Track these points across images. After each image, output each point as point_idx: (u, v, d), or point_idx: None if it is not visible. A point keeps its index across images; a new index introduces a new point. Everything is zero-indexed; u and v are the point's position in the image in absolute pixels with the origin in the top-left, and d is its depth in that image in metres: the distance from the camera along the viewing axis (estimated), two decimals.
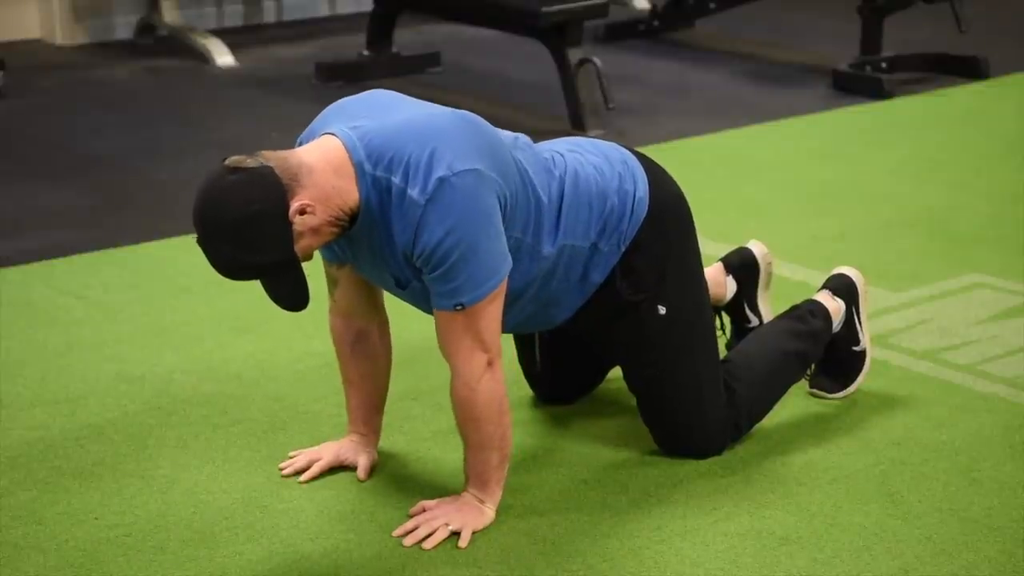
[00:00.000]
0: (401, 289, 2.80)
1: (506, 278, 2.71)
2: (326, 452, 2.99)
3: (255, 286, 3.94)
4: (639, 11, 7.55)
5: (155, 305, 3.84)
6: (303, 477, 2.95)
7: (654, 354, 2.98)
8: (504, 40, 6.32)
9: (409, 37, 6.69)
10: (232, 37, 6.78)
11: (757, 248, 3.44)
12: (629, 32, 7.12)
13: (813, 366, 3.29)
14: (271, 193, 2.56)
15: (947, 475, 2.99)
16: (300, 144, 2.74)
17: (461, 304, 2.67)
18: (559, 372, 3.23)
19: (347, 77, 6.22)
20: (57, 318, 3.75)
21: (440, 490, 2.90)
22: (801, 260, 4.13)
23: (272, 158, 2.59)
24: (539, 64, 5.88)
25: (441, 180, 2.60)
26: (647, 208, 2.92)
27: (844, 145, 5.44)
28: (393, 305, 3.84)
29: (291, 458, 3.01)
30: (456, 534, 2.74)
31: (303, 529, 2.78)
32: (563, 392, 3.26)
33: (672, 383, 2.99)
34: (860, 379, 3.30)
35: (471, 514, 2.78)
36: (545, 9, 5.51)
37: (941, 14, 6.29)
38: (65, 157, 5.18)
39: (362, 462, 2.97)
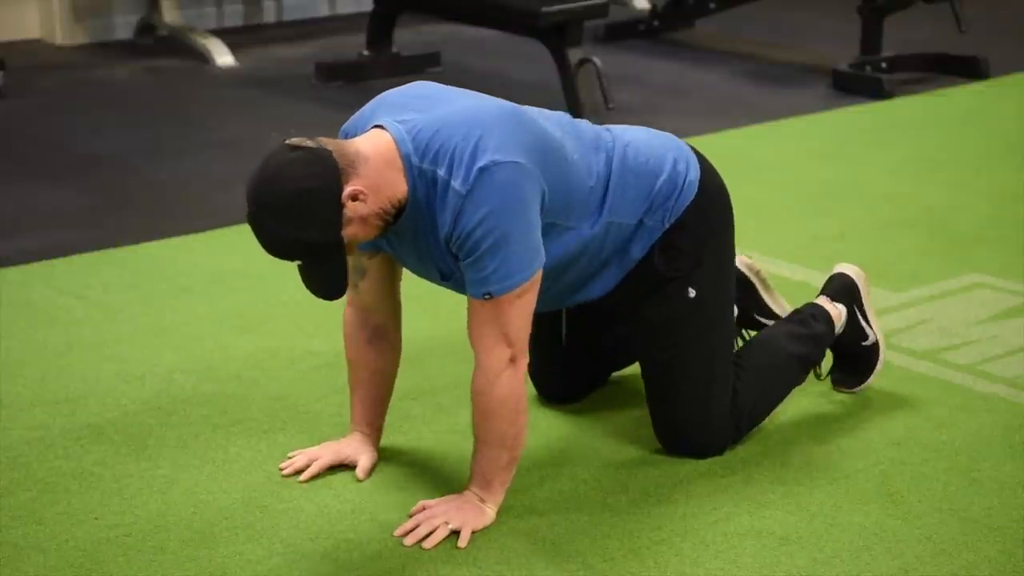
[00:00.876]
0: (446, 281, 2.83)
1: (538, 274, 2.73)
2: (326, 451, 3.00)
3: (255, 286, 3.97)
4: (639, 11, 7.56)
5: (155, 305, 3.84)
6: (303, 476, 2.95)
7: (674, 336, 2.99)
8: (504, 40, 6.32)
9: (409, 37, 6.69)
10: (232, 37, 6.78)
11: (737, 260, 3.40)
12: (629, 32, 7.12)
13: (824, 368, 3.29)
14: (328, 174, 2.60)
15: (947, 475, 2.99)
16: (345, 136, 2.78)
17: (490, 293, 2.70)
18: (577, 357, 3.24)
19: (347, 77, 6.22)
20: (57, 318, 3.75)
21: (440, 490, 2.90)
22: (801, 260, 4.13)
23: (331, 143, 2.65)
24: (539, 64, 5.88)
25: (481, 170, 2.64)
26: (696, 192, 2.96)
27: (844, 145, 5.45)
28: None
29: (290, 458, 3.01)
30: (456, 533, 2.74)
31: (303, 529, 2.78)
32: (576, 379, 3.27)
33: (685, 371, 2.99)
34: (878, 368, 3.31)
35: (471, 513, 2.78)
36: (545, 9, 5.51)
37: (941, 14, 6.29)
38: (65, 157, 5.19)
39: (362, 461, 2.97)
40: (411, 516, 2.80)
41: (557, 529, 2.79)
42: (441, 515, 2.77)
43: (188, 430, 3.16)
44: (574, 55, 5.57)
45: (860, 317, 3.30)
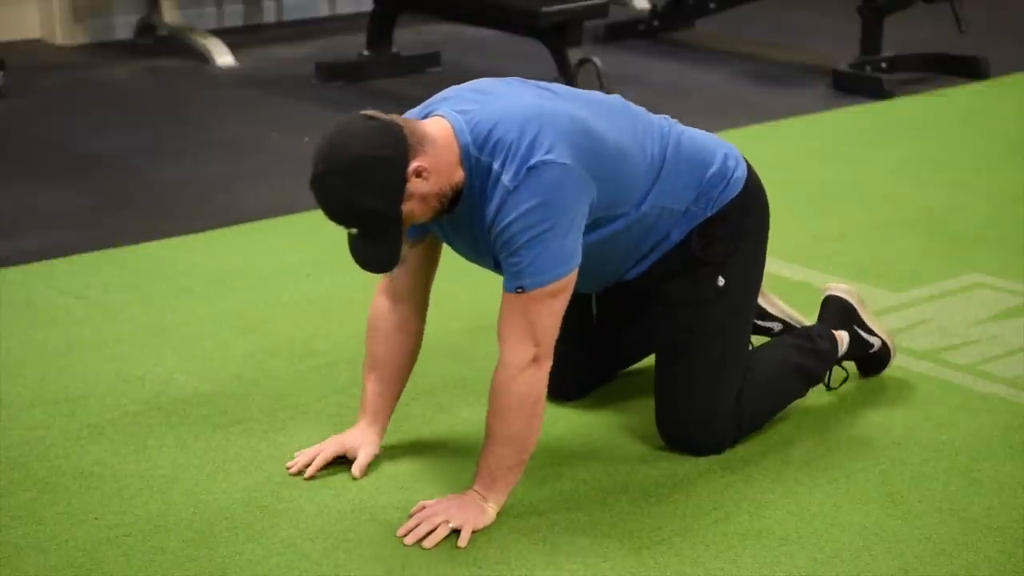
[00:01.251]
0: (498, 269, 2.85)
1: (573, 275, 2.76)
2: (330, 444, 3.00)
3: (255, 286, 3.96)
4: (639, 11, 7.55)
5: (155, 305, 3.84)
6: (308, 472, 2.95)
7: (695, 320, 3.01)
8: (504, 40, 6.32)
9: (409, 37, 6.69)
10: (232, 37, 6.78)
11: None
12: (629, 32, 7.12)
13: (837, 378, 3.31)
14: (398, 145, 2.67)
15: (947, 475, 2.99)
16: None
17: (522, 287, 2.73)
18: (602, 345, 3.26)
19: (347, 77, 6.22)
20: (57, 318, 3.75)
21: (440, 490, 2.90)
22: (801, 260, 4.13)
23: (402, 120, 2.72)
24: (539, 64, 5.88)
25: (531, 168, 2.70)
26: (741, 188, 3.03)
27: (844, 145, 5.44)
28: None
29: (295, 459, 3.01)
30: (457, 532, 2.74)
31: (303, 529, 2.78)
32: (596, 371, 3.29)
33: (697, 359, 3.01)
34: (893, 359, 3.37)
35: (472, 512, 2.78)
36: (545, 9, 5.51)
37: (941, 14, 6.29)
38: (65, 157, 5.18)
39: (361, 457, 2.96)
40: (411, 515, 2.80)
41: (557, 529, 2.78)
42: (442, 513, 2.77)
43: (188, 430, 3.16)
44: (574, 55, 5.57)
45: (862, 332, 3.32)
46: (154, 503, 2.86)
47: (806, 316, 3.57)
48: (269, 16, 7.34)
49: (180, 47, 6.69)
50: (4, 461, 3.02)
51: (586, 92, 2.98)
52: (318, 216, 4.11)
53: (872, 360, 3.36)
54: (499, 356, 2.77)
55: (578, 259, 2.77)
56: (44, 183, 4.90)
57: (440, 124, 2.76)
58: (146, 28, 6.86)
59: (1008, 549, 2.73)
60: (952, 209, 4.66)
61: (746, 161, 3.10)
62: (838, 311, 3.33)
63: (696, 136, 3.04)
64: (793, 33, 7.28)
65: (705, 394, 3.01)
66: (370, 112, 2.71)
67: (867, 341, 3.33)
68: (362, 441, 2.99)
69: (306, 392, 3.34)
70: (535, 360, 2.76)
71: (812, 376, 3.22)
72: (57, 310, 3.80)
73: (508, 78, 2.96)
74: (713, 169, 3.00)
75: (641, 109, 3.02)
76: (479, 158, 2.73)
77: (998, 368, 3.47)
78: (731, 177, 3.02)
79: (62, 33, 6.81)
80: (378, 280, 3.00)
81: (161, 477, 2.96)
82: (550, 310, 2.75)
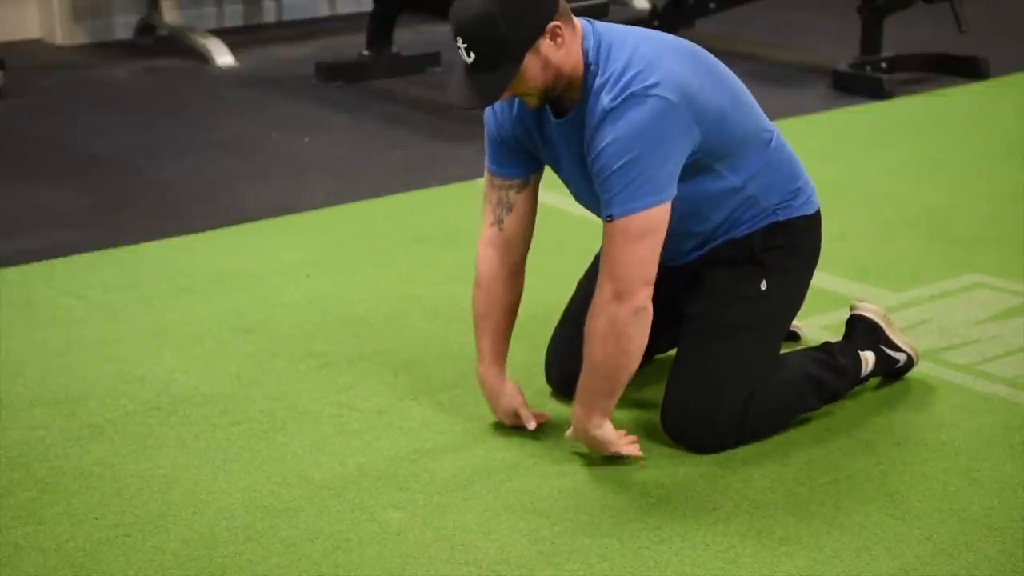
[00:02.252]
0: (588, 195, 2.94)
1: (662, 211, 2.81)
2: (515, 401, 3.09)
3: (255, 286, 3.96)
4: (639, 11, 7.56)
5: (155, 305, 3.84)
6: (532, 425, 3.08)
7: (725, 312, 3.05)
8: None
9: (409, 37, 6.69)
10: (232, 37, 6.79)
11: None
12: None
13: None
14: (554, 1, 2.80)
15: (947, 475, 2.99)
16: None
17: (611, 215, 2.80)
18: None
19: (347, 77, 6.22)
20: (57, 318, 3.75)
21: (440, 490, 2.90)
22: None
23: None
24: None
25: (632, 94, 2.78)
26: (812, 211, 3.14)
27: (844, 145, 5.44)
28: (393, 307, 3.85)
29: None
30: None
31: (303, 529, 2.78)
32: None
33: (717, 352, 3.03)
34: (914, 368, 3.40)
35: (594, 444, 2.96)
36: None
37: (941, 14, 6.29)
38: (65, 157, 5.19)
39: (524, 413, 3.10)
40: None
41: (557, 529, 2.78)
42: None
43: (188, 430, 3.16)
44: None
45: (887, 350, 3.32)
46: (154, 503, 2.86)
47: (807, 316, 3.57)
48: (269, 16, 7.34)
49: (180, 47, 6.69)
50: (4, 461, 3.02)
51: (723, 65, 3.08)
52: (318, 216, 4.12)
53: (897, 372, 3.38)
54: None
55: (670, 194, 2.82)
56: (44, 183, 4.90)
57: (578, 22, 2.88)
58: (146, 28, 6.87)
59: (1008, 549, 2.73)
60: (952, 209, 4.66)
61: None
62: (864, 331, 3.32)
63: (792, 151, 3.14)
64: (793, 33, 7.28)
65: (715, 384, 3.02)
66: None
67: (893, 358, 3.33)
68: (512, 398, 3.10)
69: (306, 392, 3.34)
70: (616, 296, 2.81)
71: (826, 389, 3.19)
72: (57, 310, 3.80)
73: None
74: (799, 183, 3.11)
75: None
76: (593, 68, 2.83)
77: (998, 368, 3.47)
78: (809, 197, 3.13)
79: (62, 33, 6.81)
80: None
81: (161, 477, 2.96)
82: (634, 249, 2.80)
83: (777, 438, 3.12)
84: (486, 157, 3.05)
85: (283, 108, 5.87)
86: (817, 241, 3.19)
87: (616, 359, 2.87)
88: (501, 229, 3.04)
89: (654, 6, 7.44)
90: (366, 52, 6.32)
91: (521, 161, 3.02)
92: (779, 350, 3.18)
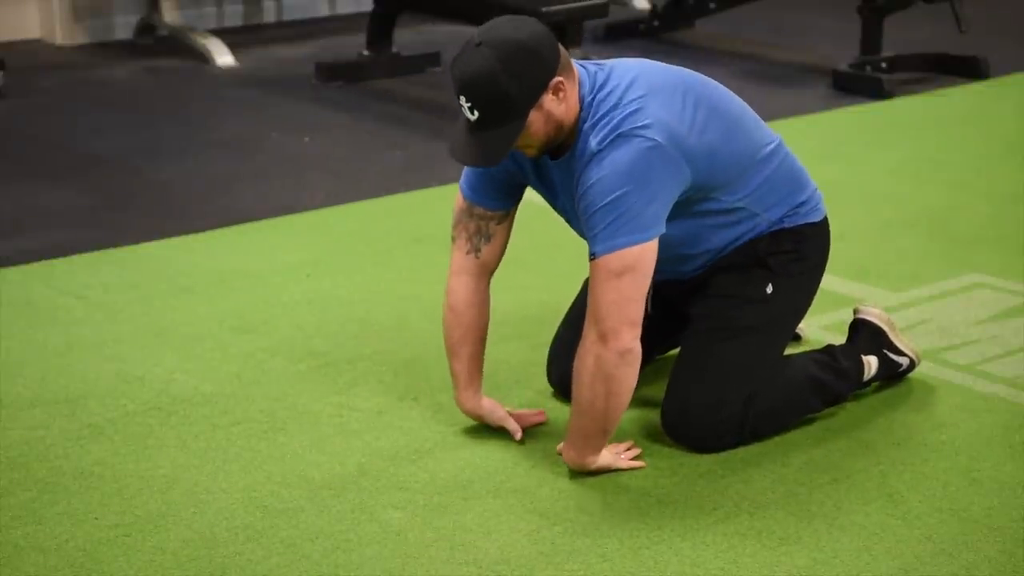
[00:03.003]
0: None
1: (644, 251, 2.79)
2: (495, 415, 3.10)
3: (255, 286, 3.96)
4: (639, 11, 7.56)
5: (155, 305, 3.84)
6: (519, 436, 3.08)
7: (730, 313, 3.05)
8: None
9: (409, 37, 6.69)
10: (232, 37, 6.78)
11: None
12: (629, 32, 7.12)
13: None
14: (554, 54, 2.80)
15: (947, 475, 2.99)
16: None
17: (594, 254, 2.79)
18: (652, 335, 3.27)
19: (347, 77, 6.22)
20: (57, 318, 3.75)
21: (440, 490, 2.90)
22: None
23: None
24: None
25: (619, 135, 2.78)
26: (821, 218, 3.14)
27: (844, 145, 5.44)
28: (393, 307, 3.85)
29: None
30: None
31: (303, 529, 2.78)
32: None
33: (720, 352, 3.03)
34: (915, 369, 3.40)
35: (592, 473, 2.94)
36: (545, 9, 5.51)
37: (941, 14, 6.29)
38: (65, 157, 5.19)
39: (511, 425, 3.09)
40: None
41: (557, 529, 2.78)
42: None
43: (188, 430, 3.16)
44: (574, 55, 5.55)
45: (890, 355, 3.32)
46: (154, 503, 2.86)
47: (807, 315, 3.57)
48: (269, 16, 7.34)
49: (180, 47, 6.69)
50: (4, 461, 3.02)
51: (723, 88, 3.08)
52: (318, 216, 4.11)
53: (899, 376, 3.37)
54: None
55: (656, 233, 2.80)
56: (44, 183, 4.90)
57: (575, 68, 2.88)
58: (146, 28, 6.87)
59: (1008, 549, 2.73)
60: (952, 209, 4.66)
61: None
62: (867, 336, 3.32)
63: (797, 161, 3.13)
64: (793, 33, 7.28)
65: (716, 384, 3.02)
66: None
67: (896, 362, 3.33)
68: (492, 414, 3.10)
69: (306, 392, 3.34)
70: (601, 338, 2.79)
71: (828, 392, 3.19)
72: (57, 310, 3.80)
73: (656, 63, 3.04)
74: (804, 196, 3.09)
75: (761, 121, 3.11)
76: (584, 112, 2.83)
77: (998, 368, 3.47)
78: (815, 205, 3.12)
79: (62, 33, 6.81)
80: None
81: (161, 477, 2.96)
82: (615, 287, 2.77)
83: (777, 438, 3.12)
84: (466, 186, 3.01)
85: (283, 108, 5.87)
86: (825, 249, 3.19)
87: (606, 401, 2.85)
88: (478, 257, 3.02)
89: (654, 6, 7.44)
90: (366, 52, 6.31)
91: (508, 193, 3.01)
92: (782, 354, 3.17)
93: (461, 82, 2.76)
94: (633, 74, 2.89)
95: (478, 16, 6.04)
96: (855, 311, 3.37)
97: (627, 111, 2.80)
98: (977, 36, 6.44)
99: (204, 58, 6.55)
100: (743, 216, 3.02)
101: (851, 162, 5.19)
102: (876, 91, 6.05)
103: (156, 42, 6.83)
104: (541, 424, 3.14)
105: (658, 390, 3.16)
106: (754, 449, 3.07)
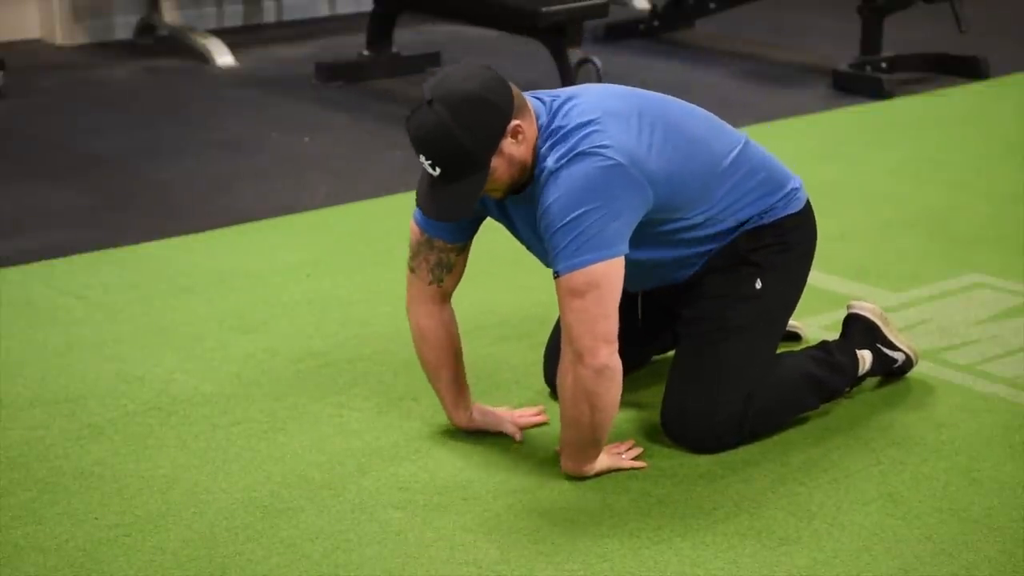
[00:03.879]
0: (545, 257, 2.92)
1: (611, 264, 2.77)
2: (492, 424, 3.12)
3: (255, 286, 3.96)
4: (639, 11, 7.56)
5: (155, 305, 3.84)
6: (519, 437, 3.10)
7: (723, 314, 3.04)
8: (504, 40, 6.32)
9: (409, 37, 6.69)
10: (232, 37, 6.78)
11: None
12: (629, 32, 7.12)
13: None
14: (507, 99, 2.78)
15: (947, 475, 2.99)
16: None
17: (557, 272, 2.78)
18: (646, 338, 3.29)
19: (347, 77, 6.22)
20: (57, 318, 3.75)
21: (440, 490, 2.90)
22: None
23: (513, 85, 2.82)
24: (539, 64, 5.88)
25: (579, 154, 2.77)
26: (799, 210, 3.11)
27: (844, 145, 5.44)
28: (393, 307, 3.84)
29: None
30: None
31: (303, 529, 2.78)
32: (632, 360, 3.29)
33: (716, 353, 3.02)
34: (916, 365, 3.39)
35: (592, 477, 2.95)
36: (545, 9, 5.51)
37: (941, 14, 6.29)
38: (65, 157, 5.19)
39: (510, 429, 3.11)
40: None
41: (557, 529, 2.78)
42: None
43: (188, 430, 3.16)
44: (574, 55, 5.57)
45: (885, 350, 3.31)
46: (154, 503, 2.86)
47: (807, 315, 3.57)
48: (269, 16, 7.34)
49: (180, 47, 6.69)
50: (4, 461, 3.02)
51: (676, 100, 3.04)
52: (318, 216, 4.12)
53: (895, 372, 3.37)
54: None
55: (619, 251, 2.78)
56: (44, 183, 4.90)
57: (529, 102, 2.86)
58: (146, 28, 6.86)
59: (1008, 549, 2.73)
60: (952, 209, 4.66)
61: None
62: (861, 330, 3.32)
63: (768, 158, 3.12)
64: (793, 33, 7.28)
65: (714, 386, 3.02)
66: (489, 66, 2.81)
67: (891, 357, 3.32)
68: (488, 426, 3.11)
69: (306, 392, 3.34)
70: (577, 358, 2.79)
71: (824, 388, 3.19)
72: (57, 310, 3.80)
73: (620, 87, 3.02)
74: (780, 192, 3.08)
75: (721, 121, 3.10)
76: (539, 142, 2.81)
77: (998, 368, 3.47)
78: (793, 198, 3.11)
79: (62, 33, 6.81)
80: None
81: (161, 477, 2.96)
82: (582, 307, 2.76)
83: (777, 438, 3.12)
84: (424, 222, 2.98)
85: (283, 108, 5.87)
86: (810, 237, 3.17)
87: (591, 417, 2.85)
88: (440, 286, 3.01)
89: (654, 6, 7.44)
90: (366, 52, 6.32)
91: (468, 226, 2.99)
92: (777, 346, 3.17)
93: (417, 141, 2.76)
94: (589, 99, 2.88)
95: (478, 16, 6.12)
96: (848, 306, 3.38)
97: (585, 132, 2.79)
98: (977, 36, 6.44)
99: (204, 58, 6.55)
100: (717, 226, 3.01)
101: (851, 162, 5.19)
102: (876, 91, 6.04)
103: (156, 42, 6.83)
104: (542, 424, 3.14)
105: (656, 393, 3.16)
106: (754, 449, 3.07)
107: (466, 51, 6.67)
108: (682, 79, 6.39)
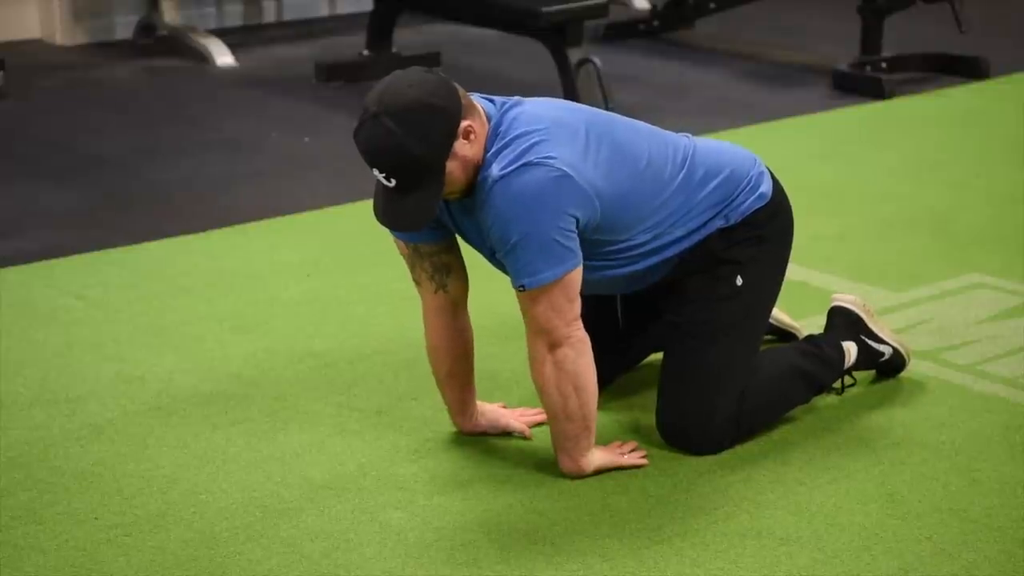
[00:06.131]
0: (495, 258, 2.90)
1: (572, 274, 2.78)
2: (498, 425, 3.13)
3: (255, 286, 3.96)
4: (639, 11, 7.55)
5: (155, 305, 3.84)
6: (528, 434, 3.10)
7: (708, 316, 3.03)
8: (504, 40, 6.32)
9: (409, 37, 6.69)
10: (232, 37, 6.78)
11: None
12: (629, 32, 7.12)
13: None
14: (453, 101, 2.73)
15: (947, 475, 2.99)
16: None
17: (523, 286, 2.78)
18: (628, 341, 3.28)
19: (347, 77, 6.22)
20: (57, 318, 3.75)
21: (440, 490, 2.90)
22: (801, 260, 4.11)
23: (455, 84, 2.77)
24: (539, 64, 5.88)
25: (525, 164, 2.74)
26: (767, 201, 3.07)
27: (844, 145, 5.44)
28: (393, 307, 3.85)
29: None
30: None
31: (303, 529, 2.78)
32: (617, 365, 3.30)
33: (705, 354, 3.02)
34: (909, 364, 3.38)
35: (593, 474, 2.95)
36: (545, 9, 5.51)
37: (941, 14, 6.29)
38: (65, 157, 5.18)
39: (515, 425, 3.12)
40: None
41: (557, 529, 2.79)
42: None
43: (188, 430, 3.16)
44: (574, 55, 5.56)
45: (870, 342, 3.31)
46: (154, 503, 2.86)
47: (806, 315, 3.57)
48: (269, 16, 7.33)
49: (180, 47, 6.68)
50: (4, 461, 3.02)
51: (622, 118, 3.01)
52: (318, 216, 4.12)
53: (885, 367, 3.36)
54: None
55: (575, 259, 2.78)
56: (45, 183, 4.90)
57: (478, 103, 2.84)
58: (146, 28, 6.86)
59: (1008, 549, 2.73)
60: (952, 209, 4.66)
61: (770, 172, 3.13)
62: (844, 322, 3.32)
63: (722, 153, 3.07)
64: (793, 33, 7.28)
65: (708, 391, 3.01)
66: (427, 68, 2.77)
67: (876, 350, 3.32)
68: (495, 427, 3.12)
69: (306, 392, 3.34)
70: (551, 346, 2.81)
71: (816, 382, 3.20)
72: (57, 310, 3.80)
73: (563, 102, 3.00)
74: (739, 189, 3.04)
75: (668, 133, 3.06)
76: (488, 144, 2.78)
77: (998, 368, 3.47)
78: (758, 193, 3.06)
79: (62, 33, 6.81)
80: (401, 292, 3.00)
81: (161, 477, 2.96)
82: (551, 304, 2.79)
83: (776, 438, 3.12)
84: (400, 234, 2.96)
85: (283, 108, 5.87)
86: (784, 224, 3.14)
87: (578, 397, 2.86)
88: (447, 292, 2.99)
89: (654, 6, 7.44)
90: (366, 52, 6.31)
91: (439, 226, 2.94)
92: (762, 338, 3.18)
93: (368, 155, 2.74)
94: (537, 108, 2.86)
95: (478, 16, 6.12)
96: (832, 299, 3.38)
97: (531, 141, 2.76)
98: (977, 36, 6.43)
99: (204, 58, 6.55)
100: (664, 238, 2.98)
101: (851, 162, 5.19)
102: (876, 91, 6.04)
103: (156, 42, 6.82)
104: (543, 423, 3.14)
105: (650, 395, 3.15)
106: (754, 448, 3.08)
107: (466, 51, 6.67)
108: (682, 79, 6.40)
